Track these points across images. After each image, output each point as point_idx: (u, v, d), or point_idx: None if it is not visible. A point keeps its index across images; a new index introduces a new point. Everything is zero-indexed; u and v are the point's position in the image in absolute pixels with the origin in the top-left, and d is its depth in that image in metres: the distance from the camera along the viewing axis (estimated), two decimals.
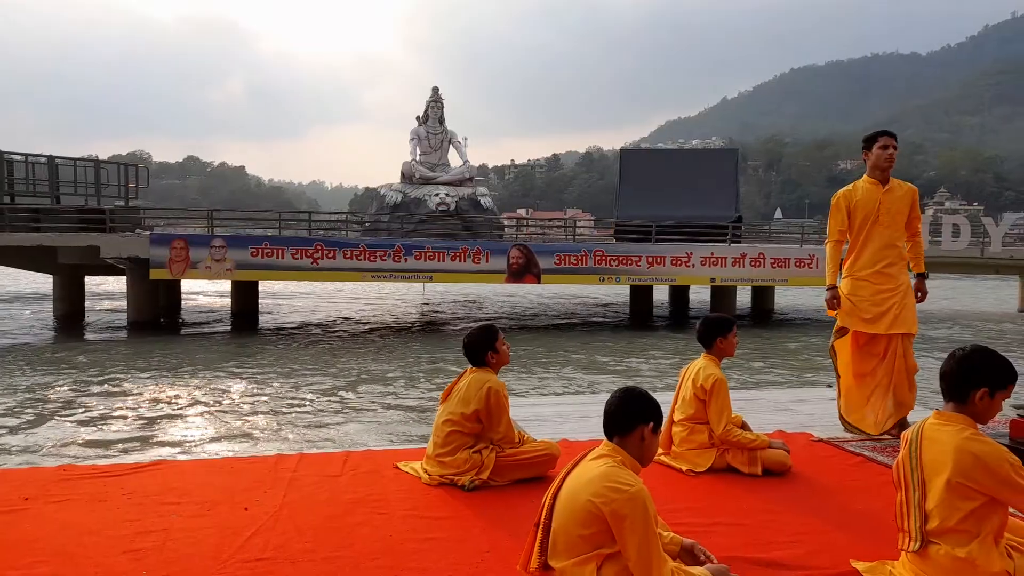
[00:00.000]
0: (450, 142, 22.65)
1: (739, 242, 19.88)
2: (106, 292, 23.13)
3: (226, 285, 19.82)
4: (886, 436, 4.74)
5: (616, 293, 24.35)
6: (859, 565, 2.76)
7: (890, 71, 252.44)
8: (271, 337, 15.54)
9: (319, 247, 15.92)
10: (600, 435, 2.53)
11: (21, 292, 24.87)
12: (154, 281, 15.78)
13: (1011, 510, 2.49)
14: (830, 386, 8.40)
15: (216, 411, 8.73)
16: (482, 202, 21.32)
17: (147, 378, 10.62)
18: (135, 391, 9.71)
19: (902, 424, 4.75)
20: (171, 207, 38.17)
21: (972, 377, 2.47)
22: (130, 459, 5.29)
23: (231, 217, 23.27)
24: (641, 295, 19.98)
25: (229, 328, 17.00)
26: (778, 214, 79.47)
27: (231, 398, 9.43)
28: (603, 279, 17.36)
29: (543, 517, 2.44)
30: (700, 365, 4.18)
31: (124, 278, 16.86)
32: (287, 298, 23.59)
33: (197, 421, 8.27)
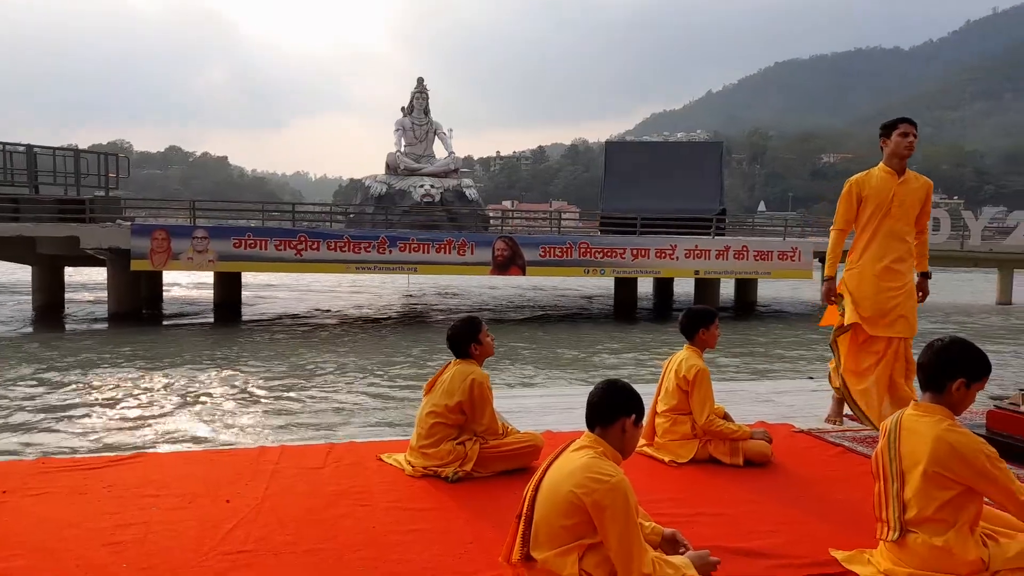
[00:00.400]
0: (435, 133, 22.56)
1: (723, 235, 19.98)
2: (87, 283, 22.86)
3: (208, 276, 19.65)
4: (867, 428, 4.79)
5: (601, 285, 24.41)
6: (838, 554, 2.80)
7: (873, 65, 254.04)
8: (254, 329, 15.44)
9: (303, 238, 15.81)
10: (583, 426, 2.54)
11: None
12: (135, 272, 15.61)
13: (986, 499, 2.53)
14: (811, 377, 8.47)
15: (197, 403, 8.66)
16: (467, 194, 21.25)
17: (127, 370, 10.52)
18: (115, 383, 9.62)
19: None
20: (152, 197, 37.79)
21: (949, 368, 2.51)
22: (110, 451, 5.25)
23: (214, 208, 23.07)
24: (626, 287, 20.03)
25: (211, 320, 16.86)
26: (762, 207, 79.89)
27: (213, 390, 9.36)
28: (588, 271, 17.39)
29: (525, 508, 2.45)
30: (683, 356, 4.21)
31: (104, 269, 16.66)
32: (270, 290, 23.43)
33: (178, 413, 8.20)
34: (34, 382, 9.65)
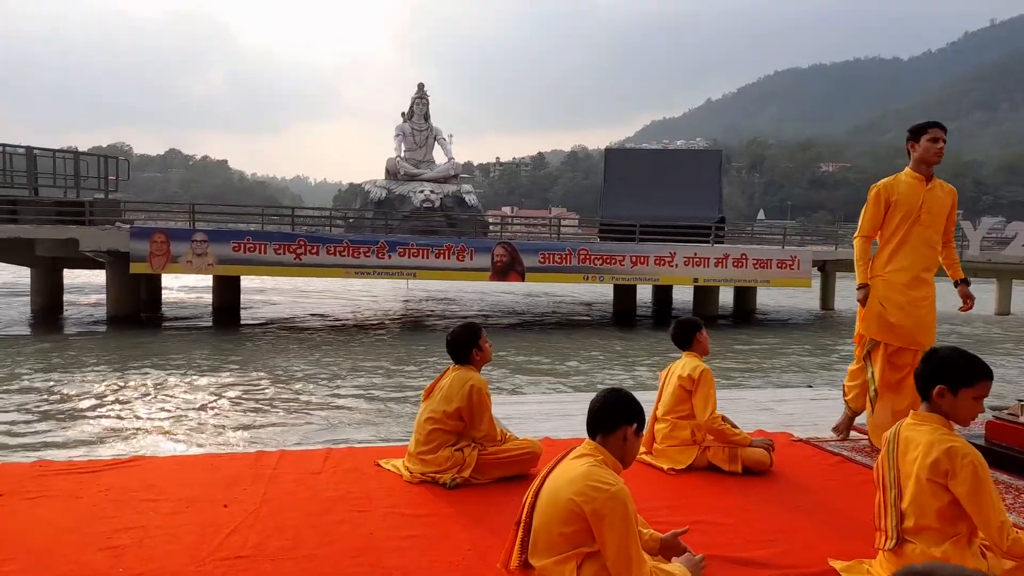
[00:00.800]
0: (435, 139, 22.61)
1: (722, 243, 20.01)
2: (86, 285, 22.83)
3: (207, 280, 19.65)
4: (865, 438, 4.79)
5: (600, 292, 24.43)
6: (837, 564, 2.79)
7: (872, 75, 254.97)
8: (253, 332, 15.43)
9: (302, 243, 15.81)
10: (582, 434, 2.54)
11: None
12: (134, 275, 15.60)
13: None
14: (810, 386, 8.46)
15: (196, 407, 8.65)
16: (467, 199, 21.28)
17: (126, 373, 10.50)
18: (113, 386, 9.60)
19: None
20: (152, 200, 37.81)
21: (932, 375, 2.52)
22: (107, 455, 5.24)
23: (213, 211, 23.08)
24: (625, 294, 20.04)
25: (211, 323, 16.85)
26: (761, 215, 79.99)
27: (212, 394, 9.34)
28: (587, 278, 17.40)
29: (524, 515, 2.45)
30: (683, 362, 4.26)
31: (104, 272, 16.65)
32: (269, 294, 23.42)
33: (176, 417, 8.18)
34: (31, 384, 9.62)
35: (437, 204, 20.40)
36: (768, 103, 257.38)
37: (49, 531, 3.05)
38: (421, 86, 23.00)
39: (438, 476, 3.75)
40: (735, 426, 4.21)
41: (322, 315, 18.92)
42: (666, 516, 3.31)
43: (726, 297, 20.81)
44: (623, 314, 19.76)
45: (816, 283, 21.45)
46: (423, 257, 16.29)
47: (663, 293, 22.47)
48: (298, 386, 9.96)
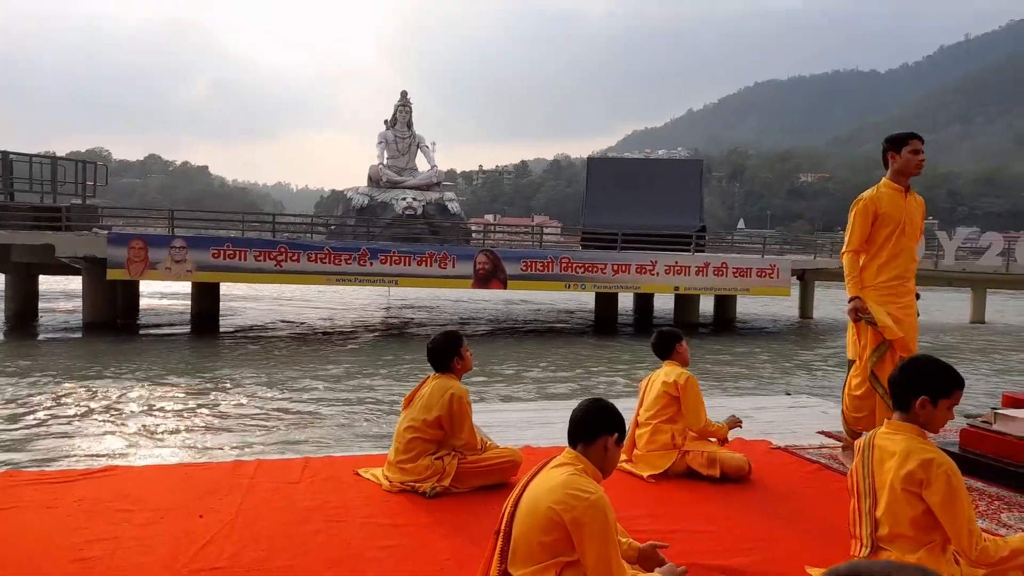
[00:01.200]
0: (418, 146, 22.60)
1: (702, 251, 20.15)
2: (62, 292, 22.50)
3: (187, 286, 19.45)
4: (841, 444, 4.82)
5: (581, 300, 24.48)
6: (814, 572, 2.81)
7: (850, 87, 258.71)
8: (232, 340, 15.28)
9: (283, 249, 15.70)
10: (563, 442, 2.53)
11: None
12: (111, 281, 15.40)
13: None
14: (788, 393, 8.52)
15: (172, 415, 8.53)
16: (449, 207, 21.27)
17: (101, 380, 10.35)
18: (88, 394, 9.45)
19: None
20: (131, 206, 37.31)
21: (913, 386, 2.53)
22: (80, 464, 5.15)
23: (193, 218, 22.84)
24: (606, 302, 20.11)
25: (189, 330, 16.66)
26: (741, 224, 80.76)
27: (188, 402, 9.23)
28: (569, 286, 17.43)
29: (503, 524, 2.44)
30: (666, 370, 4.30)
31: (80, 278, 16.42)
32: (248, 301, 23.22)
33: (152, 425, 8.07)
34: (2, 392, 9.45)
35: (419, 211, 20.37)
36: (748, 114, 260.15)
37: (20, 543, 2.99)
38: (404, 94, 22.99)
39: (418, 485, 3.73)
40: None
41: (302, 323, 18.78)
42: (646, 524, 3.31)
43: (707, 305, 20.95)
44: (605, 322, 19.81)
45: (795, 292, 21.65)
46: (405, 264, 16.24)
47: (644, 301, 22.57)
48: (277, 394, 9.87)
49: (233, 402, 9.32)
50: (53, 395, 9.36)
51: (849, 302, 4.35)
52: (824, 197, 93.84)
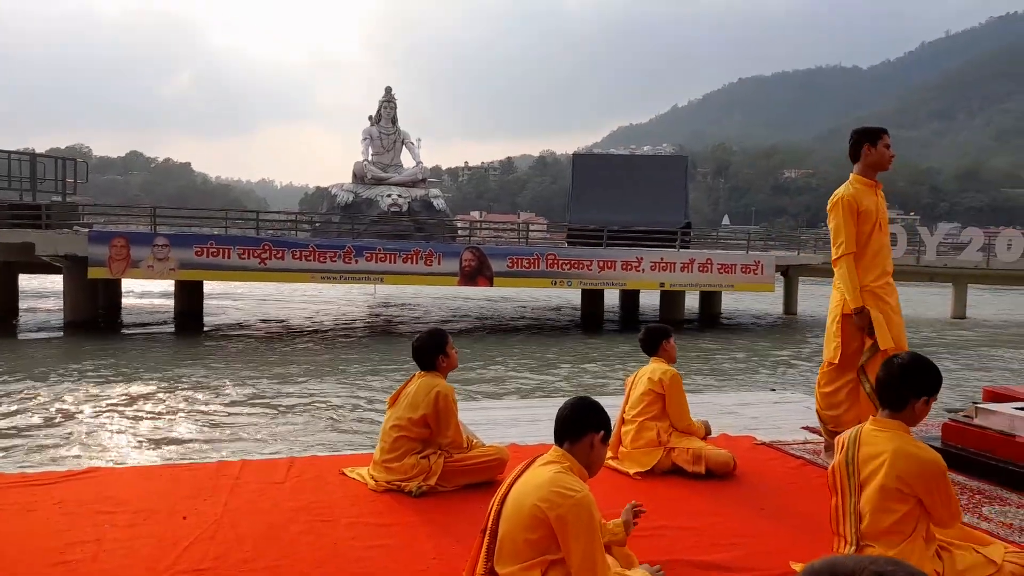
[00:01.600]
0: (403, 143, 22.52)
1: (688, 248, 20.23)
2: (43, 290, 22.24)
3: (169, 285, 19.28)
4: (823, 441, 4.85)
5: (567, 297, 24.52)
6: (798, 567, 2.82)
7: (833, 83, 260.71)
8: (215, 338, 15.16)
9: (267, 247, 15.60)
10: (549, 439, 2.54)
11: None
12: (92, 280, 15.23)
13: None
14: (773, 389, 8.58)
15: (155, 415, 8.46)
16: (435, 204, 21.23)
17: (82, 380, 10.24)
18: (68, 394, 9.35)
19: None
20: (112, 203, 36.89)
21: (911, 385, 2.56)
22: (62, 466, 5.09)
23: (175, 215, 22.63)
24: (592, 299, 20.15)
25: (172, 329, 16.52)
26: (725, 221, 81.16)
27: (171, 402, 9.15)
28: (555, 283, 17.45)
29: (490, 522, 2.44)
30: (652, 367, 4.32)
31: (61, 277, 16.23)
32: (232, 299, 23.05)
33: (134, 426, 8.00)
34: None
35: (405, 208, 20.31)
36: (733, 110, 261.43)
37: (0, 546, 2.95)
38: (389, 89, 22.89)
39: (404, 484, 3.72)
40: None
41: (286, 321, 18.68)
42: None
43: (692, 301, 21.04)
44: (591, 319, 19.85)
45: (779, 288, 21.80)
46: (390, 262, 16.19)
47: (630, 298, 22.64)
48: (261, 393, 9.81)
49: (217, 402, 9.25)
50: (33, 395, 9.25)
51: (857, 315, 4.15)
52: (808, 193, 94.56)
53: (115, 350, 13.12)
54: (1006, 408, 4.19)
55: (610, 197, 21.55)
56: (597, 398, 2.57)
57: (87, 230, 15.60)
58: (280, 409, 8.94)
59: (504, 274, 16.89)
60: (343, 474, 3.98)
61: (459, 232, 22.52)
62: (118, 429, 7.83)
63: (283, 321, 18.47)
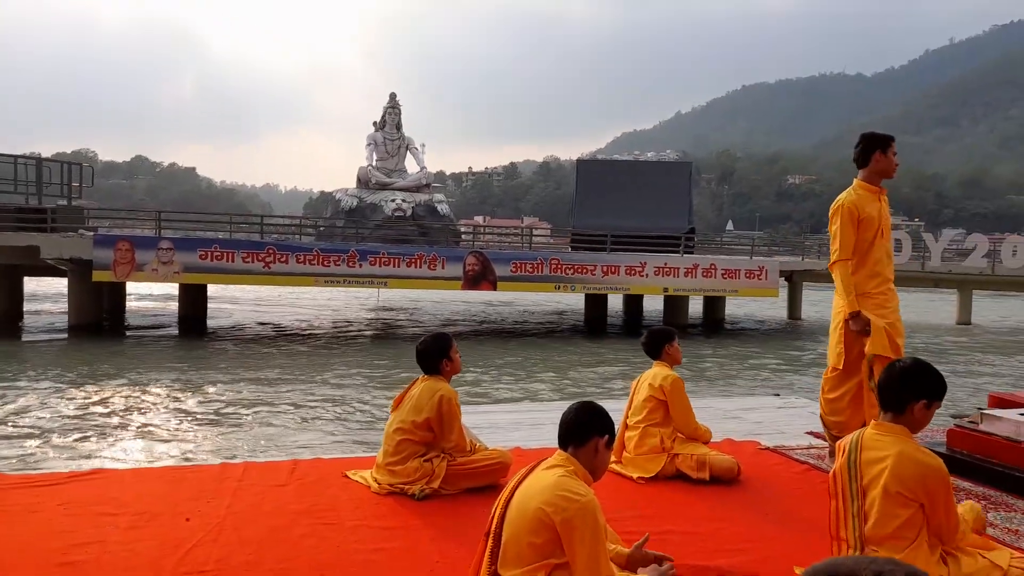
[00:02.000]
0: (407, 148, 22.56)
1: (692, 253, 20.21)
2: (48, 294, 22.29)
3: (174, 288, 19.32)
4: (827, 447, 4.84)
5: (571, 302, 24.50)
6: (802, 572, 2.81)
7: (837, 90, 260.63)
8: (219, 342, 15.18)
9: (271, 251, 15.63)
10: (553, 443, 2.53)
11: None
12: (97, 283, 15.27)
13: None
14: (777, 394, 8.56)
15: (159, 418, 8.47)
16: (439, 209, 21.25)
17: (85, 383, 10.25)
18: (73, 396, 9.36)
19: None
20: (117, 207, 36.98)
21: (912, 389, 2.55)
22: (66, 468, 5.10)
23: (180, 219, 22.69)
24: (596, 304, 20.13)
25: (176, 332, 16.55)
26: (729, 226, 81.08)
27: (175, 405, 9.16)
28: (559, 287, 17.44)
29: (493, 526, 2.43)
30: (654, 371, 4.30)
31: (66, 280, 16.28)
32: (236, 303, 23.09)
33: (138, 428, 8.01)
34: None
35: (409, 213, 20.33)
36: (737, 116, 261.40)
37: (3, 547, 2.95)
38: (393, 95, 22.95)
39: (407, 487, 3.71)
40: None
41: (289, 324, 18.70)
42: (635, 525, 3.31)
43: (696, 307, 21.01)
44: (594, 323, 19.83)
45: (783, 293, 21.76)
46: (394, 266, 16.20)
47: (634, 303, 22.61)
48: (265, 396, 9.81)
49: (220, 404, 9.26)
50: (37, 397, 9.27)
51: (853, 319, 4.17)
52: (812, 199, 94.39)
53: (119, 353, 13.15)
54: (1012, 414, 4.17)
55: (614, 202, 21.56)
56: (600, 403, 2.57)
57: (92, 234, 15.66)
58: (283, 412, 8.94)
59: (508, 278, 16.89)
60: (346, 477, 3.98)
61: (463, 237, 22.53)
62: (122, 431, 7.84)
63: (286, 325, 18.49)
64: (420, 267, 16.30)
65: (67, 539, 3.04)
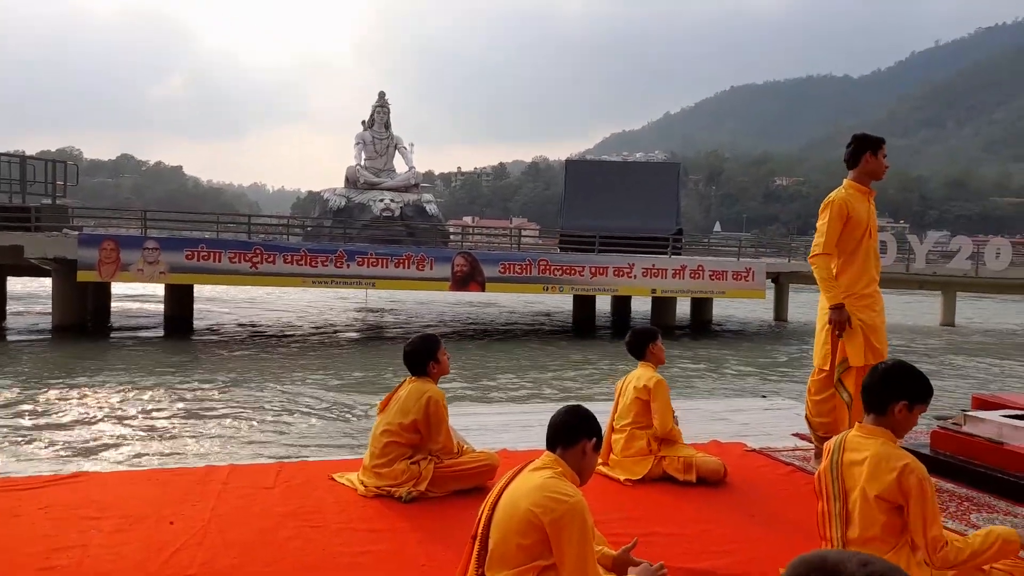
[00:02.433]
0: (396, 148, 22.51)
1: (679, 254, 20.29)
2: (32, 294, 22.07)
3: (160, 289, 19.18)
4: (813, 448, 4.86)
5: (559, 303, 24.53)
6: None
7: (824, 92, 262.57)
8: (205, 343, 15.08)
9: (258, 251, 15.54)
10: (540, 445, 2.53)
11: None
12: (81, 283, 15.13)
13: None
14: (764, 396, 8.60)
15: (143, 420, 8.40)
16: (427, 209, 21.21)
17: (70, 384, 10.15)
18: (55, 398, 9.27)
19: None
20: (102, 206, 36.60)
21: (892, 391, 2.56)
22: (47, 471, 5.05)
23: (166, 218, 22.51)
24: (584, 305, 20.16)
25: (162, 333, 16.43)
26: (717, 227, 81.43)
27: (160, 406, 9.09)
28: (547, 288, 17.45)
29: (481, 527, 2.43)
30: (638, 373, 4.30)
31: (50, 280, 16.12)
32: (223, 303, 22.95)
33: (122, 430, 7.94)
34: None
35: (397, 213, 20.28)
36: (725, 117, 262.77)
37: None
38: (382, 94, 22.89)
39: (393, 490, 3.70)
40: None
41: (276, 325, 18.60)
42: (622, 527, 3.32)
43: (683, 308, 21.08)
44: (582, 324, 19.86)
45: (770, 295, 21.87)
46: (382, 267, 16.15)
47: (622, 304, 22.65)
48: (250, 398, 9.75)
49: (205, 406, 9.19)
50: (19, 399, 9.17)
51: (831, 309, 4.19)
52: (799, 200, 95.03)
53: (103, 354, 13.03)
54: (995, 416, 4.21)
55: (602, 203, 21.60)
56: (588, 404, 2.57)
57: (77, 233, 15.52)
58: (269, 413, 8.89)
59: (496, 279, 16.88)
60: (333, 479, 3.96)
61: (451, 237, 22.50)
62: (105, 433, 7.77)
63: (273, 326, 18.40)
64: (408, 268, 16.27)
65: (49, 543, 3.01)
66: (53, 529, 3.16)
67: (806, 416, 4.59)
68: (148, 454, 7.10)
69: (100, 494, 3.62)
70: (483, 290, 17.04)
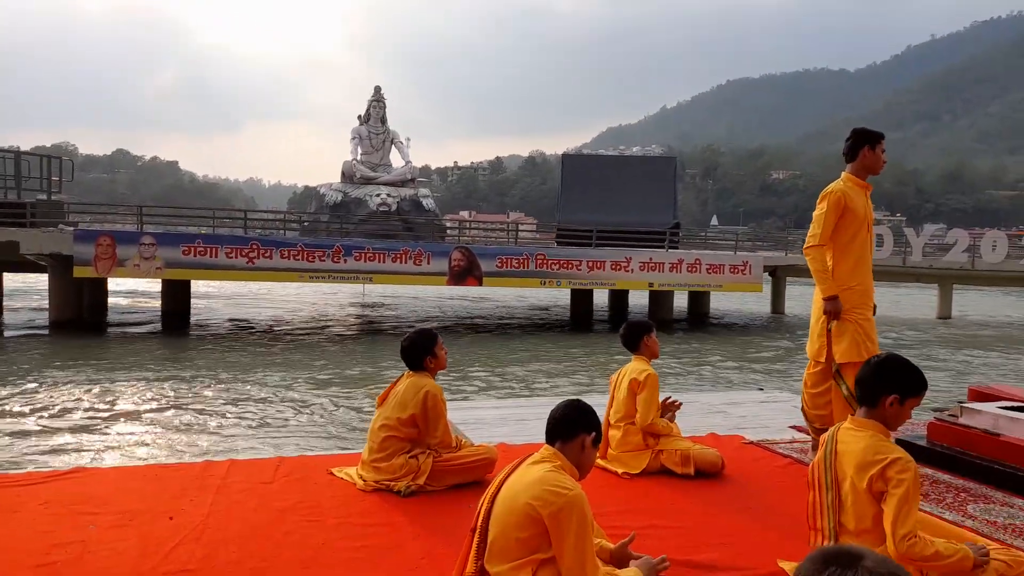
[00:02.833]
0: (392, 142, 22.46)
1: (676, 248, 20.30)
2: (28, 290, 22.01)
3: (156, 284, 19.15)
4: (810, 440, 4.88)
5: (557, 297, 24.54)
6: (785, 565, 2.84)
7: (820, 86, 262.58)
8: (202, 338, 15.06)
9: (255, 246, 15.51)
10: (538, 439, 2.54)
11: None
12: (78, 279, 15.09)
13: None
14: (761, 388, 8.62)
15: (141, 415, 8.39)
16: (424, 203, 21.19)
17: (66, 380, 10.14)
18: (53, 394, 9.25)
19: None
20: (98, 202, 36.51)
21: (884, 383, 2.56)
22: (46, 466, 5.04)
23: (162, 214, 22.48)
24: (581, 299, 20.17)
25: (158, 329, 16.40)
26: (714, 221, 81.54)
27: (158, 402, 9.08)
28: (544, 282, 17.46)
29: (480, 521, 2.43)
30: (632, 366, 4.30)
31: (46, 276, 16.08)
32: (220, 299, 22.91)
33: (120, 426, 7.93)
34: None
35: (394, 208, 20.25)
36: (721, 111, 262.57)
37: None
38: (378, 89, 22.83)
39: (392, 484, 3.71)
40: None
41: (273, 320, 18.58)
42: (620, 520, 3.32)
43: (681, 301, 21.11)
44: (580, 318, 19.87)
45: (767, 288, 21.90)
46: (379, 261, 16.14)
47: (619, 298, 22.68)
48: (248, 393, 9.75)
49: (204, 402, 9.19)
50: (16, 395, 9.15)
51: (826, 300, 4.19)
52: (795, 194, 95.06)
53: (100, 350, 13.01)
54: (991, 407, 4.23)
55: (599, 197, 21.59)
56: (586, 398, 2.58)
57: (72, 229, 15.47)
58: (268, 409, 8.89)
59: (493, 274, 16.88)
60: (331, 474, 3.97)
61: (448, 232, 22.48)
62: (103, 429, 7.76)
63: (270, 321, 18.38)
64: (405, 263, 16.26)
65: (48, 539, 3.01)
66: (52, 525, 3.16)
67: (802, 409, 4.60)
68: (147, 450, 7.10)
69: (99, 490, 3.62)
70: (480, 284, 17.04)
